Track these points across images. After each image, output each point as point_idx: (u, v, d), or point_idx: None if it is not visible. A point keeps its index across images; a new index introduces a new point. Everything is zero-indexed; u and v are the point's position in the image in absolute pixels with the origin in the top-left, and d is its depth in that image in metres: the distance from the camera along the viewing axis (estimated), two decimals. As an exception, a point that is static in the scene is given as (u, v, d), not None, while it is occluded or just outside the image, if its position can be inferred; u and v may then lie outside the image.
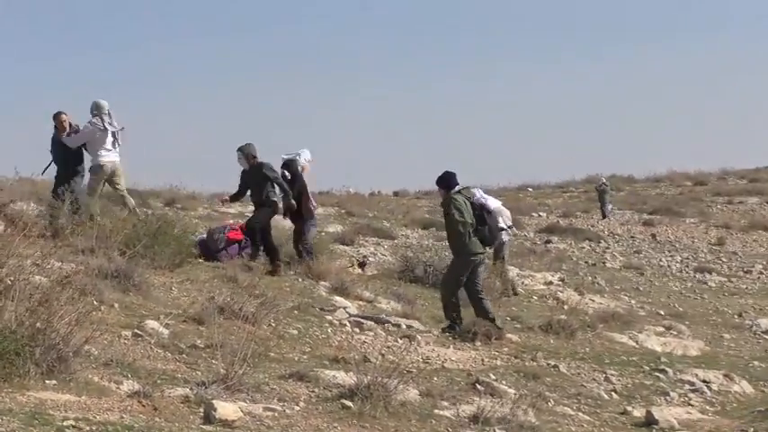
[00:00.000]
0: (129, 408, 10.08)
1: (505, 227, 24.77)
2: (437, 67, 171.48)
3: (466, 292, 18.29)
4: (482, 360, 16.27)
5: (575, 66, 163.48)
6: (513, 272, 26.71)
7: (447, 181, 18.31)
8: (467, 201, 17.90)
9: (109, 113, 21.09)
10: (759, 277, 35.70)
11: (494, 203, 24.60)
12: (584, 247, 40.59)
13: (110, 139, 21.03)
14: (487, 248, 18.76)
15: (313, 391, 12.31)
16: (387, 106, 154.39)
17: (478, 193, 25.59)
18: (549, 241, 40.83)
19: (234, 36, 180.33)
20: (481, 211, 17.87)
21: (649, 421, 13.54)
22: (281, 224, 24.54)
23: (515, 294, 25.23)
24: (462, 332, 17.76)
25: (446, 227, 18.86)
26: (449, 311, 18.05)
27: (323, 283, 20.94)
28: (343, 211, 42.93)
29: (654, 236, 42.17)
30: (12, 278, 12.94)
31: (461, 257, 18.09)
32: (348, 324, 17.39)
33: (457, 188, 18.16)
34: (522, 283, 27.48)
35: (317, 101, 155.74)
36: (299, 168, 22.62)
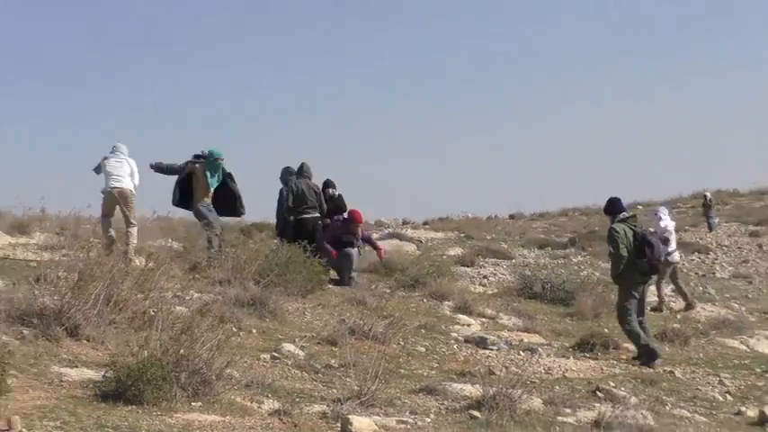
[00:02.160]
0: (270, 425, 10.15)
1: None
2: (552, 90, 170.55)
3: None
4: (601, 369, 16.18)
5: (680, 85, 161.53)
6: (667, 289, 26.20)
7: (611, 208, 17.95)
8: (628, 230, 17.34)
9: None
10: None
11: (670, 225, 25.12)
12: (693, 259, 40.14)
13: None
14: (649, 278, 17.95)
15: (442, 404, 12.31)
16: (500, 135, 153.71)
17: (661, 213, 25.94)
18: (660, 255, 40.43)
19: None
20: (642, 243, 17.14)
21: (763, 420, 13.41)
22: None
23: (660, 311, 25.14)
24: (590, 346, 17.66)
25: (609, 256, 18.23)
26: (636, 342, 17.37)
27: (447, 302, 20.91)
28: (462, 234, 42.83)
29: (760, 246, 41.67)
30: (155, 309, 13.13)
31: (621, 287, 17.64)
32: (472, 340, 17.35)
33: (622, 215, 17.67)
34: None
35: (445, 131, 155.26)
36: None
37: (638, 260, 17.03)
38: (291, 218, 21.64)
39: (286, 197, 21.78)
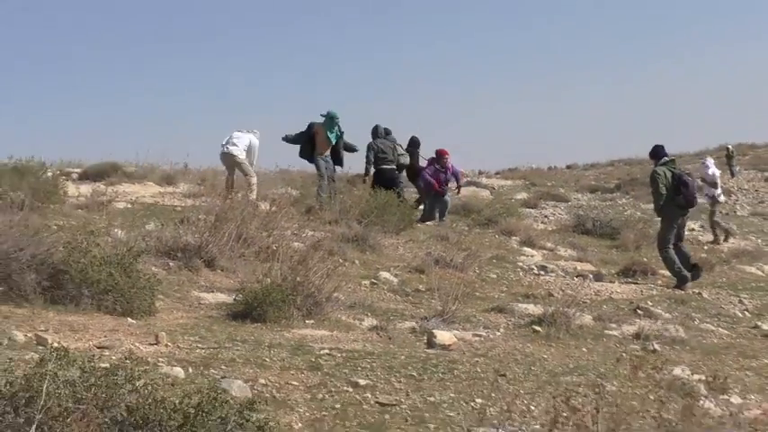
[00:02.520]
0: (369, 338, 10.20)
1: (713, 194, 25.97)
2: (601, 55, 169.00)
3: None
4: (641, 291, 16.02)
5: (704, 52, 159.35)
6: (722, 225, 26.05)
7: (655, 153, 17.63)
8: (667, 171, 17.12)
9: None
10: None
11: (717, 172, 26.42)
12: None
13: None
14: (686, 212, 17.51)
15: (510, 320, 12.28)
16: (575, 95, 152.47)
17: (708, 162, 26.24)
18: (690, 197, 39.97)
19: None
20: (678, 183, 16.93)
21: (776, 332, 13.26)
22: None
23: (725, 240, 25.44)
24: (632, 272, 17.58)
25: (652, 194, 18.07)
26: (671, 267, 17.11)
27: (514, 237, 20.82)
28: (527, 182, 42.59)
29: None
30: (276, 245, 13.20)
31: (663, 219, 17.46)
32: (535, 268, 17.29)
33: (664, 159, 17.43)
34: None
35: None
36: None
37: (675, 196, 16.89)
38: (372, 170, 21.59)
39: (367, 154, 21.76)
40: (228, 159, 20.03)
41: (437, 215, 22.00)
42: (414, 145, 22.85)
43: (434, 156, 22.35)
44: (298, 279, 10.80)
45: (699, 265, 17.55)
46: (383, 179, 21.23)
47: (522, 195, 36.10)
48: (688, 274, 16.81)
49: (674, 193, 16.91)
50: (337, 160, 21.15)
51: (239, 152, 19.94)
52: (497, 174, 47.83)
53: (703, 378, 9.49)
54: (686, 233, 25.70)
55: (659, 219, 17.88)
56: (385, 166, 21.64)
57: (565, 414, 5.84)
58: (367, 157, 21.59)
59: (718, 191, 26.18)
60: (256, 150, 20.43)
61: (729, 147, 48.58)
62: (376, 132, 22.01)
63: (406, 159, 22.29)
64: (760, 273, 19.86)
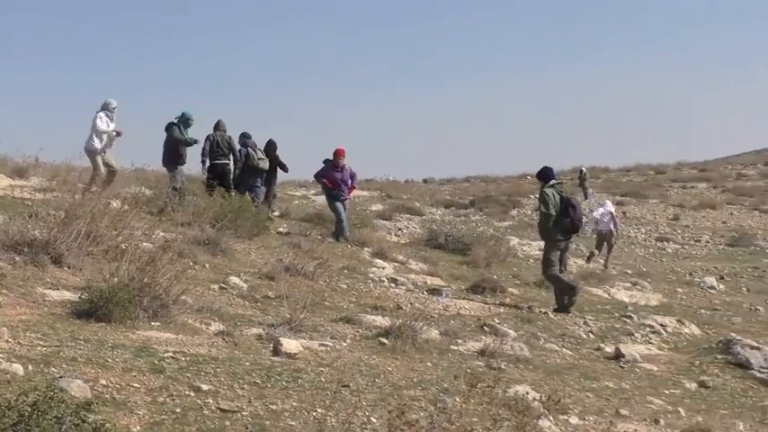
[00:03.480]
0: (215, 343, 10.15)
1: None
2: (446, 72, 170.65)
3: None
4: (489, 308, 16.26)
5: (561, 72, 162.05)
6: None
7: (543, 174, 17.47)
8: (556, 194, 17.01)
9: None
10: (706, 245, 35.57)
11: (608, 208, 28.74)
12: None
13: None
14: (570, 235, 17.52)
15: (357, 331, 12.35)
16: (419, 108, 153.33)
17: (607, 205, 27.95)
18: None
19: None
20: (566, 205, 16.86)
21: (618, 355, 13.55)
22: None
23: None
24: (481, 289, 17.76)
25: (538, 215, 17.94)
26: (558, 284, 17.09)
27: (367, 248, 20.93)
28: (383, 194, 42.87)
29: (624, 213, 41.93)
30: (126, 244, 13.09)
31: (547, 242, 17.32)
32: (386, 281, 17.42)
33: (552, 181, 17.27)
34: (522, 249, 27.49)
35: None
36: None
37: (563, 219, 16.84)
38: (207, 162, 21.74)
39: (203, 145, 21.85)
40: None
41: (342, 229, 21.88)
42: (271, 148, 22.86)
43: (332, 156, 22.35)
44: (145, 280, 10.69)
45: (574, 286, 17.43)
46: (215, 172, 21.41)
47: (378, 207, 36.40)
48: (576, 282, 17.33)
49: (562, 215, 16.86)
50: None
51: (87, 142, 19.74)
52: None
53: (543, 397, 9.70)
54: (538, 253, 26.35)
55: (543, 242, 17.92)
56: (217, 161, 21.78)
57: (401, 428, 5.92)
58: (203, 149, 21.69)
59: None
60: (98, 130, 20.06)
61: (583, 169, 49.57)
62: (217, 126, 22.11)
63: (264, 164, 22.30)
64: (606, 295, 20.32)
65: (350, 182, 22.51)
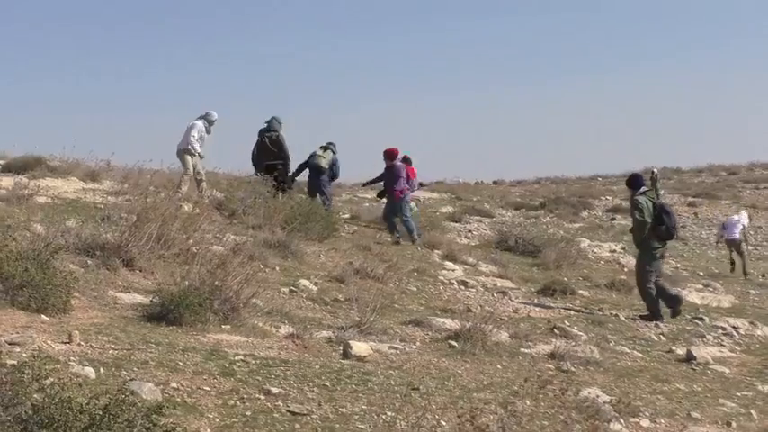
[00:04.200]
0: (285, 346, 10.18)
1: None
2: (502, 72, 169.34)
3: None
4: (559, 310, 16.17)
5: (632, 74, 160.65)
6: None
7: (633, 182, 17.07)
8: (648, 201, 16.48)
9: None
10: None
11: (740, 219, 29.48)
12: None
13: None
14: (666, 243, 16.99)
15: (427, 334, 12.33)
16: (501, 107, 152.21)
17: (739, 216, 28.43)
18: (613, 219, 40.23)
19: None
20: (660, 212, 16.39)
21: (689, 357, 13.39)
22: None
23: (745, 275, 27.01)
24: (551, 291, 17.62)
25: (632, 223, 17.29)
26: (650, 302, 16.57)
27: (437, 251, 20.91)
28: (453, 196, 42.77)
29: (696, 214, 41.47)
30: (197, 248, 13.18)
31: (643, 251, 16.84)
32: (456, 283, 17.38)
33: (642, 189, 16.80)
34: (593, 251, 27.28)
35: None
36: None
37: (658, 226, 16.36)
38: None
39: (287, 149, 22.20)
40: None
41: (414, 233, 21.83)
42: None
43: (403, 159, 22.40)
44: (216, 283, 10.76)
45: (679, 296, 17.12)
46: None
47: (448, 209, 36.32)
48: (659, 317, 16.44)
49: (657, 222, 16.38)
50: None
51: (182, 143, 20.28)
52: (423, 186, 48.02)
53: (614, 400, 9.62)
54: (608, 254, 26.21)
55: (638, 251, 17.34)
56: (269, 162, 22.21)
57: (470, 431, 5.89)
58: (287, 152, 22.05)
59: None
60: (197, 134, 20.78)
61: (655, 170, 48.94)
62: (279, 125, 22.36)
63: (325, 162, 22.49)
64: (677, 297, 20.10)
65: (398, 182, 22.07)
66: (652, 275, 16.56)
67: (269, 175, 21.19)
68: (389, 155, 22.16)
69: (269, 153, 22.13)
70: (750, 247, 30.77)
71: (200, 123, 20.59)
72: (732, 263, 28.04)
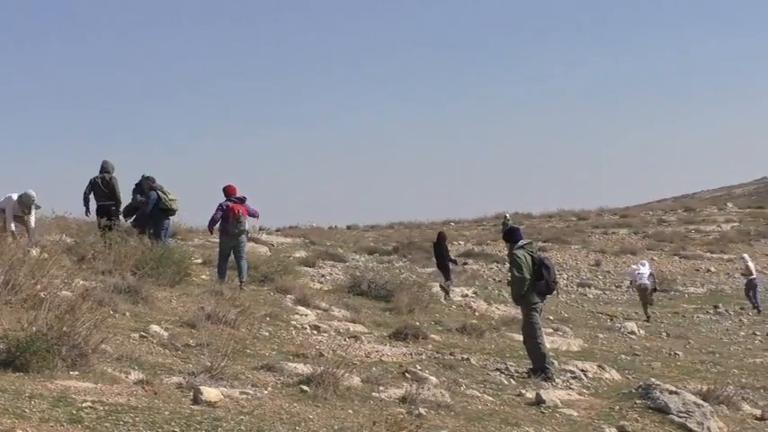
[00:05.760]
0: (134, 392, 10.09)
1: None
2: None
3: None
4: (411, 355, 16.32)
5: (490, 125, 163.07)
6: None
7: (511, 236, 16.80)
8: (527, 255, 16.09)
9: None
10: (627, 291, 36.14)
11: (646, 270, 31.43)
12: (492, 268, 40.88)
13: None
14: (545, 297, 16.62)
15: (279, 379, 12.31)
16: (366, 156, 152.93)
17: (643, 268, 29.79)
18: (465, 263, 40.87)
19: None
20: (540, 266, 16.01)
21: (539, 401, 13.58)
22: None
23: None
24: (403, 336, 17.72)
25: (510, 278, 16.84)
26: (538, 358, 16.12)
27: (289, 296, 20.93)
28: (307, 240, 42.96)
29: (548, 258, 42.24)
30: (45, 293, 12.99)
31: (523, 306, 16.43)
32: (308, 328, 17.42)
33: (520, 242, 16.37)
34: (445, 295, 27.59)
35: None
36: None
37: (537, 282, 15.98)
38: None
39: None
40: (29, 208, 21.28)
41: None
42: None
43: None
44: (64, 329, 10.60)
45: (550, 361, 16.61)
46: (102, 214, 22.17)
47: (301, 253, 36.41)
48: (553, 368, 16.26)
49: (536, 278, 16.01)
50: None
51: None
52: (278, 231, 48.08)
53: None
54: (461, 299, 26.54)
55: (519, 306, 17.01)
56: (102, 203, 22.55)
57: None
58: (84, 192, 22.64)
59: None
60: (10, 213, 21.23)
61: (507, 214, 50.17)
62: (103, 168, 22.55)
63: (177, 205, 22.51)
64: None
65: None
66: (538, 329, 16.24)
67: (103, 217, 21.39)
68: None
69: (102, 194, 22.19)
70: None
71: (12, 202, 21.26)
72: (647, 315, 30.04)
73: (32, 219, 21.24)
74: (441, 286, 27.83)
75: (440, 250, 29.62)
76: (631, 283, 33.00)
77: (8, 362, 10.04)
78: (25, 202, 20.99)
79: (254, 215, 21.69)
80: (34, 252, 15.97)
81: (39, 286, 13.63)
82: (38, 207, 21.42)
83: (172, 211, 22.49)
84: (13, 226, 20.66)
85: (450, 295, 27.23)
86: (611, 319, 27.74)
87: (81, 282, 15.64)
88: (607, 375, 16.89)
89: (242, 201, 21.17)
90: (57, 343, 10.35)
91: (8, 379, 9.58)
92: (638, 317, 29.00)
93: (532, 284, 15.99)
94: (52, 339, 10.32)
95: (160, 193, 22.25)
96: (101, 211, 22.04)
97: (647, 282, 30.55)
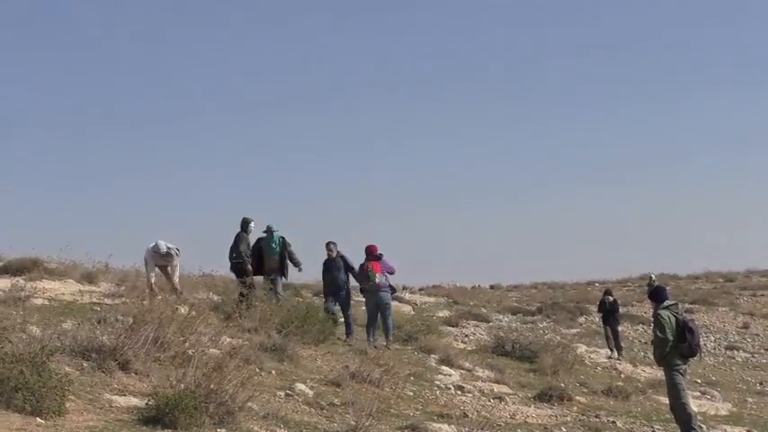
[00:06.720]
0: (280, 450, 10.14)
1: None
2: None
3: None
4: (556, 416, 16.11)
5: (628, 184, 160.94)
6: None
7: (657, 296, 16.28)
8: (671, 316, 15.65)
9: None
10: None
11: None
12: (638, 329, 40.21)
13: None
14: (688, 360, 16.02)
15: (423, 439, 12.28)
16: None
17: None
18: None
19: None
20: (684, 329, 15.50)
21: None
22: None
23: None
24: (548, 397, 17.45)
25: (654, 338, 16.39)
26: (685, 422, 15.49)
27: (433, 355, 20.86)
28: (450, 300, 42.89)
29: (693, 320, 41.49)
30: (193, 350, 13.16)
31: (665, 368, 15.89)
32: (452, 388, 17.33)
33: (666, 303, 15.88)
34: (590, 357, 27.24)
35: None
36: None
37: (679, 344, 15.49)
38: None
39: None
40: (167, 259, 20.73)
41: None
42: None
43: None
44: (212, 386, 10.74)
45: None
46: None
47: (444, 313, 36.36)
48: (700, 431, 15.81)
49: (678, 340, 15.53)
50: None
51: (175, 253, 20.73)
52: (421, 290, 48.06)
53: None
54: (605, 360, 26.19)
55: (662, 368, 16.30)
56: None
57: None
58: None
59: None
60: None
61: (652, 275, 49.30)
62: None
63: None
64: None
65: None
66: (682, 390, 15.66)
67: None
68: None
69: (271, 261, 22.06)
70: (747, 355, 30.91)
71: (149, 251, 21.55)
72: None
73: (176, 273, 21.58)
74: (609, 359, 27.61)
75: (611, 313, 29.54)
76: None
77: (157, 419, 10.19)
78: (158, 253, 21.32)
79: (390, 272, 21.68)
80: (182, 309, 16.20)
81: (187, 344, 13.80)
82: (177, 254, 21.55)
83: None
84: (153, 277, 21.11)
85: (619, 367, 26.59)
86: (761, 384, 27.02)
87: (228, 339, 15.84)
88: (757, 440, 16.45)
89: (378, 258, 21.22)
90: (204, 400, 10.48)
91: (157, 435, 9.70)
92: None
93: (675, 346, 15.48)
94: (200, 397, 10.45)
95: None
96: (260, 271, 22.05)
97: None
